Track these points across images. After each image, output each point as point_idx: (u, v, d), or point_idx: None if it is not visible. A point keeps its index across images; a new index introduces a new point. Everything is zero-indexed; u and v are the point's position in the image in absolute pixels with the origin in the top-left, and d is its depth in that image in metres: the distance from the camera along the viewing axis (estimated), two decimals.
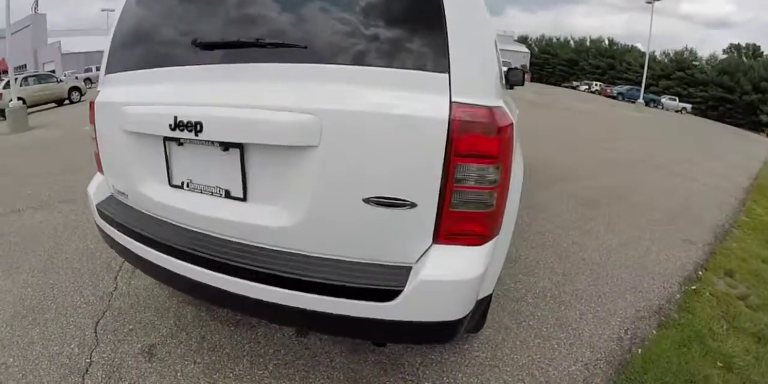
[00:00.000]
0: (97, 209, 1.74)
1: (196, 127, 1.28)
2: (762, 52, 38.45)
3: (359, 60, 1.19)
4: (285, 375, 1.68)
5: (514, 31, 51.56)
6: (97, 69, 3.51)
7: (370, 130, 1.14)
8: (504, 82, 2.16)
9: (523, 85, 3.17)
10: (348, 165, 1.17)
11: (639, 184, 5.51)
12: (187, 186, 1.46)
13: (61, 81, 14.79)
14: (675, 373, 1.82)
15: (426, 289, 1.14)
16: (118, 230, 1.59)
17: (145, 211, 1.60)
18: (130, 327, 1.94)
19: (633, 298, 2.46)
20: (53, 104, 13.90)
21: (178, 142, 1.41)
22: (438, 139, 1.11)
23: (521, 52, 46.49)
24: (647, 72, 27.19)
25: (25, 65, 32.77)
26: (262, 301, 1.23)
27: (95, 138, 1.74)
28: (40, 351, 1.77)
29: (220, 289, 1.29)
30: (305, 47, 1.22)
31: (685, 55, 40.63)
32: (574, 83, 40.69)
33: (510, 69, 3.09)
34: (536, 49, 50.43)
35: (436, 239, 1.19)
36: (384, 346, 1.80)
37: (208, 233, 1.42)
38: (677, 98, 32.47)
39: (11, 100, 9.34)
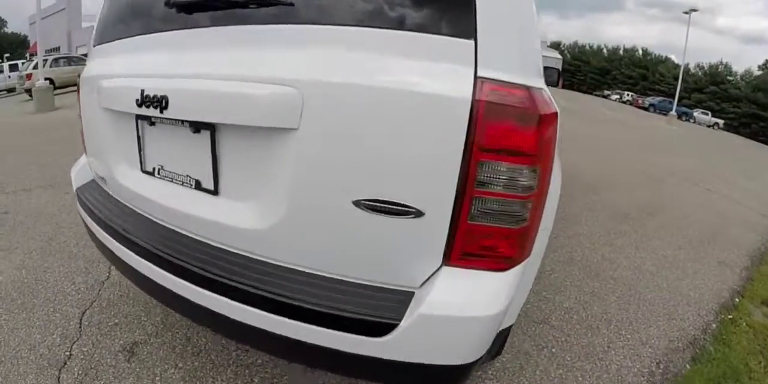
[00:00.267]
0: (77, 193, 1.59)
1: (161, 102, 1.06)
2: None
3: (354, 19, 0.92)
4: None
5: (547, 36, 50.84)
6: None
7: (364, 110, 0.88)
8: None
9: (557, 86, 2.95)
10: (334, 155, 0.91)
11: (671, 198, 5.26)
12: (158, 173, 1.26)
13: None
14: None
15: (429, 326, 0.88)
16: (91, 218, 1.42)
17: (120, 200, 1.43)
18: (116, 321, 1.82)
19: (666, 327, 2.23)
20: None
21: (150, 120, 1.21)
22: (456, 126, 0.83)
23: (554, 57, 45.86)
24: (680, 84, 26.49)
25: (59, 48, 33.58)
26: (227, 317, 1.00)
27: (80, 116, 1.60)
28: (23, 338, 1.70)
29: (184, 297, 1.07)
30: (291, 4, 0.97)
31: (719, 69, 39.56)
32: (606, 92, 40.01)
33: (544, 67, 2.88)
34: (569, 55, 49.58)
35: (448, 260, 0.92)
36: None
37: (177, 230, 1.20)
38: (710, 113, 31.91)
39: (38, 81, 9.51)
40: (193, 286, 1.04)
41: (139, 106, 1.12)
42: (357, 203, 0.90)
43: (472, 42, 0.85)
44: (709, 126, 29.40)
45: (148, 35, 1.23)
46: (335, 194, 0.92)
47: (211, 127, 1.06)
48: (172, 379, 1.51)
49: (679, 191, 5.83)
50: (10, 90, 17.54)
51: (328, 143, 0.91)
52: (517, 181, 0.86)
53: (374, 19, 0.90)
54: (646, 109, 30.76)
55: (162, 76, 1.12)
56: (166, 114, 1.07)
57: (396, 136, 0.86)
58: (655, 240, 3.58)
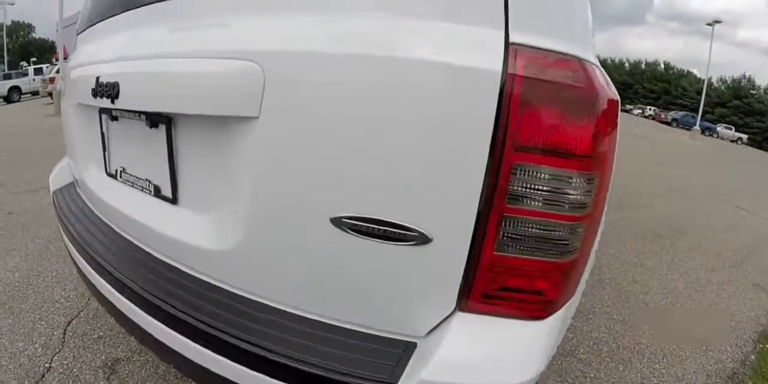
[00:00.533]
0: (53, 197, 1.43)
1: (112, 90, 0.88)
2: None
3: None
4: None
5: None
6: None
7: (347, 91, 0.61)
8: None
9: None
10: (306, 155, 0.65)
11: (700, 216, 5.05)
12: (121, 176, 1.07)
13: None
14: None
15: None
16: (59, 223, 1.27)
17: (90, 205, 1.23)
18: (100, 333, 1.70)
19: (703, 359, 2.02)
20: None
21: (111, 115, 1.02)
22: (480, 114, 0.56)
23: None
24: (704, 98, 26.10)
25: None
26: (180, 354, 0.78)
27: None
28: (5, 345, 1.62)
29: (142, 328, 0.86)
30: None
31: (742, 83, 38.85)
32: (628, 107, 39.75)
33: None
34: None
35: (464, 303, 0.65)
36: None
37: (141, 246, 0.99)
38: (733, 127, 31.58)
39: (60, 84, 9.73)
40: (149, 318, 0.82)
41: (94, 96, 0.95)
42: (337, 222, 0.64)
43: None
44: (732, 141, 29.14)
45: (108, 19, 1.09)
46: (307, 207, 0.67)
47: (167, 121, 0.86)
48: None
49: (709, 208, 5.62)
50: (35, 93, 18.02)
51: (298, 137, 0.65)
52: (566, 194, 0.59)
53: None
54: (668, 123, 30.52)
55: (115, 59, 0.95)
56: (118, 104, 0.89)
57: (392, 129, 0.60)
58: (687, 261, 3.40)
